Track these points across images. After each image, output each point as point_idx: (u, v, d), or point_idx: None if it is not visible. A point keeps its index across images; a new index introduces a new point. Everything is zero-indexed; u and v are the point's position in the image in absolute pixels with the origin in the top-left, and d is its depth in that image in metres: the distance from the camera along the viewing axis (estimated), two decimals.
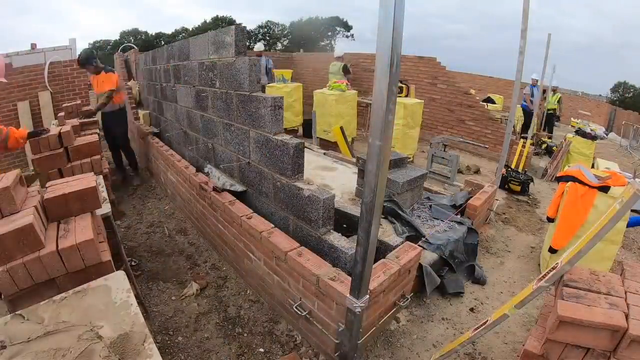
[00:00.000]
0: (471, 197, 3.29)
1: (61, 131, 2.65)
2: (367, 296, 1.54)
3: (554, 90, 8.32)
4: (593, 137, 5.60)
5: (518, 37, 3.34)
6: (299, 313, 1.91)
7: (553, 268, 1.43)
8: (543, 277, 1.44)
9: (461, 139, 6.29)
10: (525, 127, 7.09)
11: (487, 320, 1.61)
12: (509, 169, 4.81)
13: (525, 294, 1.47)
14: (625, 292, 1.50)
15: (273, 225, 2.21)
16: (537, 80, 7.42)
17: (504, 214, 3.94)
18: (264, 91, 4.56)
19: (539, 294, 1.46)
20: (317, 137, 6.15)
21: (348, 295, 1.55)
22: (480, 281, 2.65)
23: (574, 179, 2.49)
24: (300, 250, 1.97)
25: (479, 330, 1.62)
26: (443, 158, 4.71)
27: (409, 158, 4.48)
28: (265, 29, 38.72)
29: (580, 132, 5.66)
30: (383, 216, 2.80)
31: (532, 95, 7.50)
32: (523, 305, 1.50)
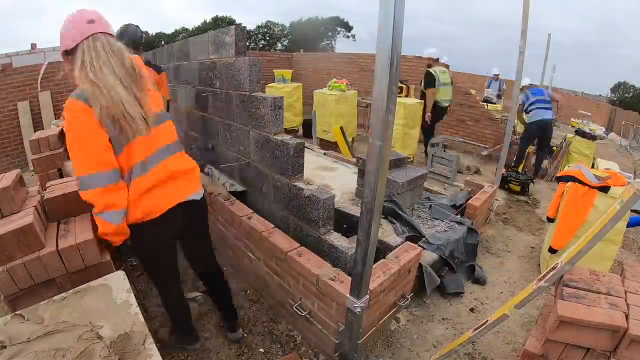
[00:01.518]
0: (471, 197, 3.29)
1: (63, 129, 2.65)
2: (367, 296, 1.54)
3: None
4: (593, 137, 5.60)
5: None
6: (299, 313, 1.91)
7: (553, 268, 1.43)
8: (543, 277, 1.45)
9: (461, 139, 6.29)
10: None
11: (487, 320, 1.61)
12: (509, 169, 4.81)
13: (525, 294, 1.47)
14: (625, 292, 1.50)
15: (273, 226, 2.21)
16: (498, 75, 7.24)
17: (504, 214, 3.94)
18: None
19: (539, 294, 1.46)
20: (317, 137, 6.15)
21: (348, 295, 1.55)
22: (480, 281, 2.65)
23: (574, 179, 2.49)
24: (300, 251, 1.97)
25: (479, 330, 1.62)
26: (443, 158, 4.72)
27: (409, 158, 4.48)
28: (265, 29, 38.72)
29: (580, 132, 5.66)
30: (383, 216, 2.80)
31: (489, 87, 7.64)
32: (523, 305, 1.51)
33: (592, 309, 1.40)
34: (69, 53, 1.29)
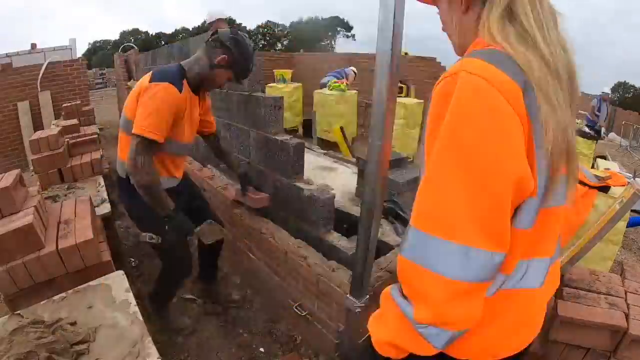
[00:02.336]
0: None
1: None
2: (367, 296, 1.54)
3: None
4: (593, 137, 5.61)
5: None
6: (299, 313, 1.91)
7: None
8: None
9: None
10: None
11: None
12: None
13: None
14: (625, 292, 1.50)
15: (273, 225, 2.21)
16: (608, 95, 6.98)
17: None
18: None
19: None
20: (317, 137, 6.15)
21: (348, 295, 1.55)
22: None
23: None
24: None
25: None
26: None
27: (409, 158, 4.48)
28: (265, 29, 38.73)
29: (579, 132, 5.67)
30: (383, 216, 2.80)
31: (599, 110, 7.22)
32: None
33: (592, 309, 1.40)
34: None
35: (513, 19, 0.57)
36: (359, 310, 1.52)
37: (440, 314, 0.56)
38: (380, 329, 0.70)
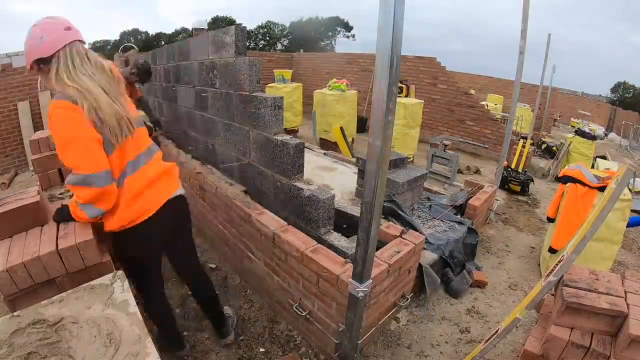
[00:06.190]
0: (471, 197, 3.29)
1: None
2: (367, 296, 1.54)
3: None
4: (592, 137, 5.61)
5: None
6: (299, 313, 1.91)
7: (560, 260, 1.43)
8: (551, 272, 1.44)
9: (461, 140, 6.29)
10: None
11: (498, 329, 1.58)
12: (508, 169, 4.81)
13: (535, 293, 1.46)
14: (625, 292, 1.50)
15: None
16: None
17: (504, 214, 3.94)
18: None
19: (549, 290, 1.46)
20: (318, 137, 6.15)
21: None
22: (452, 293, 2.52)
23: (573, 179, 2.49)
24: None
25: (492, 339, 1.59)
26: (443, 158, 4.72)
27: (409, 158, 4.48)
28: (265, 29, 38.70)
29: (579, 132, 5.67)
30: (383, 216, 2.80)
31: None
32: (534, 305, 1.50)
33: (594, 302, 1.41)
34: (41, 62, 1.27)
35: (64, 74, 1.26)
36: (362, 295, 1.52)
37: (89, 200, 1.29)
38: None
